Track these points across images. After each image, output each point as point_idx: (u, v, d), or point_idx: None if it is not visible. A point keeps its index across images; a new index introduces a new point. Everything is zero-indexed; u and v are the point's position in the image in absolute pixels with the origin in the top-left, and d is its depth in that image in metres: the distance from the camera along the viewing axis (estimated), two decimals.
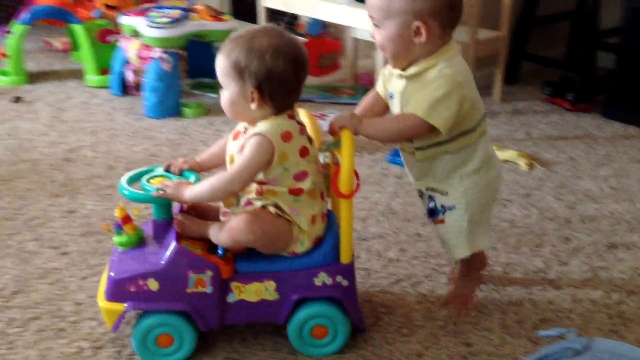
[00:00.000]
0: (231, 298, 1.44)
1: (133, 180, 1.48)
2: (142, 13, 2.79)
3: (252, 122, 1.41)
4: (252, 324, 1.54)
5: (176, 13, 2.76)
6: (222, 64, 1.39)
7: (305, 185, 1.41)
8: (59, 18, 3.09)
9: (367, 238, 1.92)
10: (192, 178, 1.46)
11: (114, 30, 3.06)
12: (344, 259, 1.44)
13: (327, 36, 3.29)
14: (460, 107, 1.38)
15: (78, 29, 3.07)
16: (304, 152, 1.41)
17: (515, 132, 2.68)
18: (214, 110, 2.81)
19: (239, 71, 1.36)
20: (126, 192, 1.43)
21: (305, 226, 1.43)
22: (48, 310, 1.61)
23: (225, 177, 1.38)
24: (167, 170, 1.50)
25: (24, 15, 3.06)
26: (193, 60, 2.97)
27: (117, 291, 1.41)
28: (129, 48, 2.82)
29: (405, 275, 1.75)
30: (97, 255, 1.82)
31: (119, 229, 1.46)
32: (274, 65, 1.35)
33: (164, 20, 2.71)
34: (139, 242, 1.48)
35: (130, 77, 2.90)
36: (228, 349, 1.49)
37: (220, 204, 1.48)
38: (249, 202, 1.43)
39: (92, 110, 2.86)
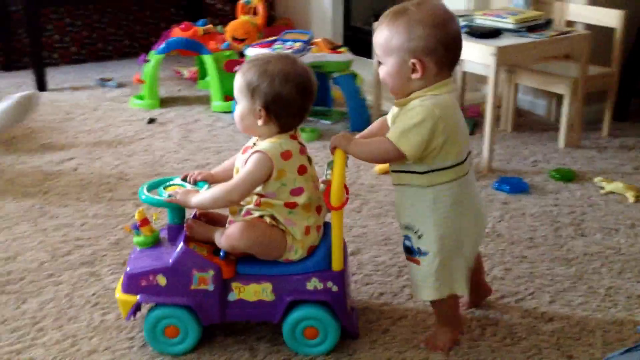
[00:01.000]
0: (232, 297, 1.58)
1: (153, 187, 1.65)
2: (267, 45, 3.04)
3: (261, 137, 1.57)
4: (250, 323, 1.68)
5: (298, 45, 3.00)
6: (238, 81, 1.55)
7: (300, 200, 1.55)
8: (191, 49, 3.41)
9: None
10: (204, 188, 1.61)
11: (240, 60, 3.35)
12: (335, 266, 1.56)
13: None
14: (432, 137, 1.43)
15: (207, 59, 3.37)
16: (302, 170, 1.55)
17: (622, 165, 2.71)
18: (326, 135, 3.01)
19: (251, 90, 1.52)
20: (143, 197, 1.61)
21: (298, 236, 1.56)
22: None
23: (226, 188, 1.53)
24: (184, 180, 1.66)
25: (161, 45, 3.40)
26: None
27: (130, 285, 1.58)
28: None
29: (510, 292, 1.84)
30: None
31: (137, 230, 1.64)
32: (282, 89, 1.51)
33: (287, 51, 2.95)
34: (155, 243, 1.64)
35: None
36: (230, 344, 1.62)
37: (228, 212, 1.63)
38: (248, 212, 1.58)
39: (217, 132, 3.13)
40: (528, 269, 1.96)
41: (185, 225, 1.60)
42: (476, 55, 2.57)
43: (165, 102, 3.51)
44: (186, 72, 3.92)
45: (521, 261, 2.00)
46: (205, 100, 3.52)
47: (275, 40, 3.09)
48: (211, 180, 1.65)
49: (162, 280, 1.56)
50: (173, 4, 4.63)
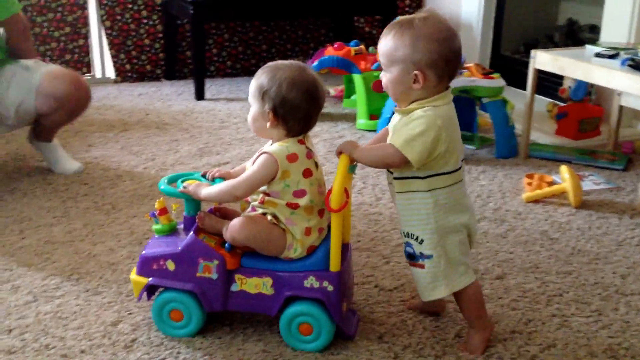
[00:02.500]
0: (234, 287, 1.67)
1: (173, 179, 1.75)
2: None
3: (272, 140, 1.67)
4: (250, 314, 1.75)
5: None
6: (252, 85, 1.65)
7: (302, 201, 1.62)
8: (342, 67, 3.52)
9: (628, 294, 1.95)
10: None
11: None
12: (333, 267, 1.63)
13: (588, 102, 3.34)
14: (435, 146, 1.52)
15: (357, 78, 3.47)
16: (307, 173, 1.63)
17: None
18: (471, 160, 3.00)
19: (262, 93, 1.62)
20: (162, 187, 1.71)
21: (298, 236, 1.63)
22: None
23: (233, 184, 1.63)
24: (203, 176, 1.74)
25: (314, 63, 3.54)
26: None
27: (143, 267, 1.69)
28: None
29: None
30: (365, 268, 2.08)
31: (155, 218, 1.74)
32: (289, 94, 1.60)
33: None
34: (172, 232, 1.75)
35: None
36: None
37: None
38: (253, 209, 1.68)
39: None
40: None
41: (197, 217, 1.70)
42: (638, 89, 2.48)
43: None
44: (332, 90, 4.05)
45: None
46: (350, 118, 3.62)
47: None
48: (228, 178, 1.71)
49: (171, 265, 1.67)
50: (324, 26, 4.80)
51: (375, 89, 3.43)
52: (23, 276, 1.98)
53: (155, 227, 1.76)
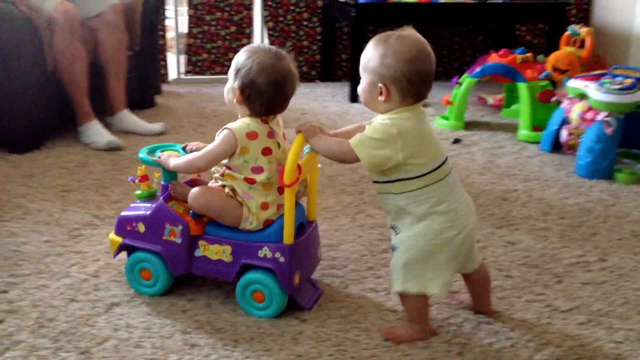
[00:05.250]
0: (197, 253, 1.78)
1: (154, 149, 1.87)
2: (594, 78, 2.91)
3: (239, 114, 1.77)
4: (211, 279, 1.86)
5: (628, 82, 2.82)
6: (233, 61, 1.75)
7: (259, 177, 1.73)
8: (507, 75, 3.40)
9: None
10: None
11: (555, 92, 3.25)
12: (286, 240, 1.72)
13: None
14: (391, 156, 1.56)
15: (522, 87, 3.33)
16: (265, 151, 1.73)
17: None
18: None
19: (236, 70, 1.73)
20: (140, 155, 1.83)
21: (254, 209, 1.74)
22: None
23: (196, 156, 1.75)
24: (183, 149, 1.86)
25: (476, 69, 3.44)
26: (626, 129, 2.98)
27: (119, 227, 1.84)
28: (573, 109, 2.96)
29: None
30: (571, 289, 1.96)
31: (135, 183, 1.87)
32: (256, 77, 1.70)
33: (615, 87, 2.80)
34: (151, 197, 1.87)
35: (564, 136, 3.04)
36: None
37: None
38: (215, 181, 1.80)
39: (523, 161, 3.07)
40: None
41: (170, 185, 1.82)
42: None
43: (469, 126, 3.54)
44: (491, 99, 3.92)
45: None
46: (509, 128, 3.49)
47: (603, 74, 2.94)
48: None
49: (141, 227, 1.81)
50: (482, 33, 4.68)
51: (542, 99, 3.28)
52: None
53: (136, 192, 1.90)
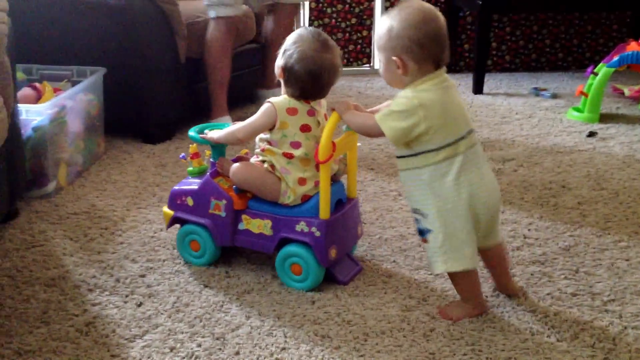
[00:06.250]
0: (240, 226, 1.87)
1: (205, 128, 1.97)
2: None
3: (284, 92, 1.83)
4: (253, 252, 1.95)
5: None
6: (286, 39, 1.82)
7: (297, 152, 1.78)
8: None
9: None
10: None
11: None
12: (322, 215, 1.77)
13: None
14: (414, 126, 1.57)
15: None
16: (304, 128, 1.79)
17: None
18: None
19: (283, 51, 1.80)
20: (190, 134, 1.94)
21: (291, 184, 1.79)
22: None
23: (236, 128, 1.85)
24: None
25: (614, 59, 3.23)
26: None
27: (171, 201, 1.96)
28: None
29: None
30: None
31: (187, 160, 1.98)
32: (294, 64, 1.76)
33: None
34: (202, 174, 1.96)
35: None
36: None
37: None
38: (256, 156, 1.87)
39: None
40: None
41: (217, 162, 1.91)
42: None
43: (604, 118, 3.33)
44: (627, 90, 3.67)
45: None
46: None
47: None
48: None
49: (190, 201, 1.92)
50: (618, 21, 4.39)
51: None
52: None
53: (188, 169, 2.00)
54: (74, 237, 2.11)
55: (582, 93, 3.35)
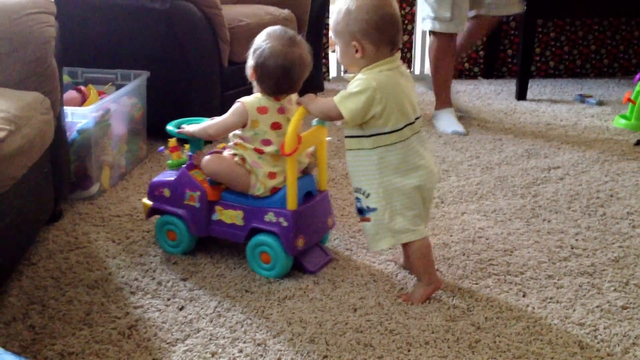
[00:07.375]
0: (214, 217, 1.95)
1: (182, 123, 2.04)
2: None
3: (255, 91, 1.89)
4: (226, 242, 2.03)
5: None
6: (254, 40, 1.87)
7: (268, 149, 1.86)
8: None
9: None
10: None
11: None
12: (289, 206, 1.84)
13: None
14: (369, 106, 1.65)
15: None
16: (275, 126, 1.86)
17: None
18: None
19: (253, 51, 1.85)
20: (168, 128, 2.01)
21: (261, 177, 1.87)
22: None
23: (209, 124, 1.93)
24: None
25: None
26: None
27: (150, 192, 2.04)
28: None
29: None
30: None
31: (167, 153, 2.05)
32: (265, 61, 1.82)
33: None
34: (180, 166, 2.01)
35: None
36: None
37: None
38: (229, 149, 1.92)
39: None
40: None
41: (193, 155, 1.98)
42: None
43: None
44: None
45: None
46: None
47: None
48: None
49: (167, 192, 2.00)
50: None
51: None
52: (362, 257, 2.03)
53: (168, 161, 2.07)
54: (117, 239, 2.12)
55: (629, 100, 3.26)
